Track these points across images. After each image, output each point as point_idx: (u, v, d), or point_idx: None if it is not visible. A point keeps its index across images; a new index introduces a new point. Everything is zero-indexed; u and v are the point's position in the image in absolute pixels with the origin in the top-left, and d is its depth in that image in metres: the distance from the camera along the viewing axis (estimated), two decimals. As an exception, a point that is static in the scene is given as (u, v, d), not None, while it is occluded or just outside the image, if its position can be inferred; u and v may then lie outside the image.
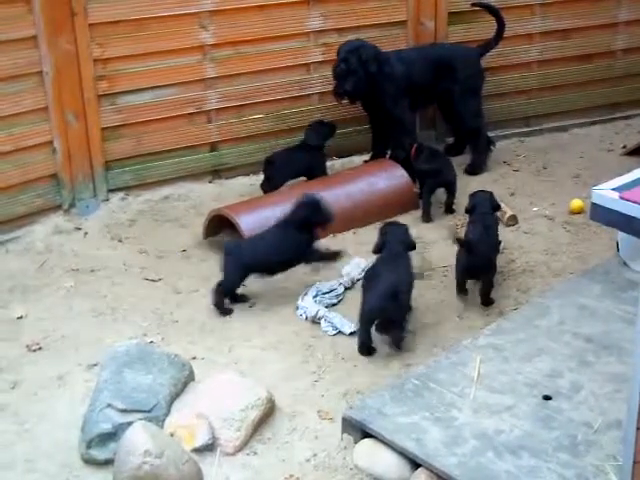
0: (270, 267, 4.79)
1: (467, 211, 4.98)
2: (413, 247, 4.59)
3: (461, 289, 4.74)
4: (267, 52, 6.02)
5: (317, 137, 5.86)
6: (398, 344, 4.33)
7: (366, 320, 4.31)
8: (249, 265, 4.73)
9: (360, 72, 5.74)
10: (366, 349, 4.33)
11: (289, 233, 4.74)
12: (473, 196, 5.01)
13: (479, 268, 4.67)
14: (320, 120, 5.99)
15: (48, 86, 5.39)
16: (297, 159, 5.83)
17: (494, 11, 6.20)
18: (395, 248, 4.51)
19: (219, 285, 4.70)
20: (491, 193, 5.04)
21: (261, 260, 4.73)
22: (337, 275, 4.93)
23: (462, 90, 6.13)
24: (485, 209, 4.89)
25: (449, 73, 6.09)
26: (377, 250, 4.57)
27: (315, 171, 5.84)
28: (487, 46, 6.24)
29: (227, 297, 4.74)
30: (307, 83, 6.22)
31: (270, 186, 5.73)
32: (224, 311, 4.69)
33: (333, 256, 4.89)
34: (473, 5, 6.27)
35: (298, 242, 4.75)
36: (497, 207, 5.04)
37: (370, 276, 4.44)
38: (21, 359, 4.35)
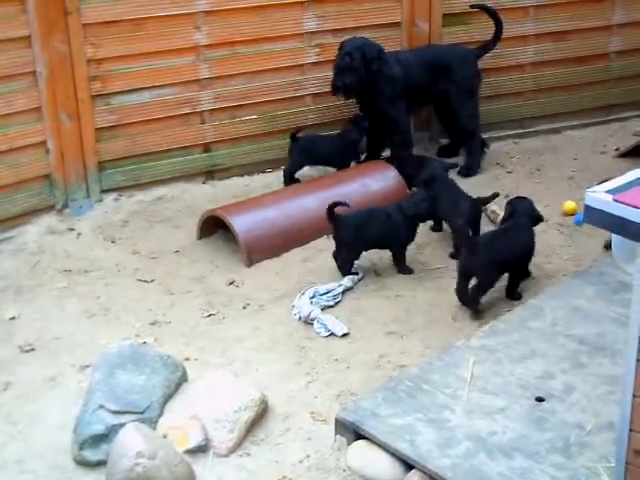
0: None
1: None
2: (540, 220, 4.88)
3: None
4: (262, 53, 6.01)
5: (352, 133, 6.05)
6: (473, 299, 4.56)
7: (459, 272, 4.59)
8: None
9: (361, 69, 5.75)
10: (461, 300, 4.62)
11: (397, 216, 4.99)
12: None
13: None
14: (356, 114, 6.11)
15: (42, 86, 5.38)
16: (320, 146, 6.02)
17: (492, 13, 6.19)
18: (521, 220, 4.77)
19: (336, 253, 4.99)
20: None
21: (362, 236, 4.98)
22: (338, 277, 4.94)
23: (458, 91, 6.12)
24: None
25: (446, 74, 6.09)
26: (504, 221, 4.85)
27: (334, 163, 6.02)
28: (485, 47, 6.24)
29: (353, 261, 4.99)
30: (301, 84, 6.21)
31: (290, 166, 5.94)
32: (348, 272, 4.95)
33: (410, 271, 5.03)
34: (472, 7, 6.27)
35: (399, 225, 5.00)
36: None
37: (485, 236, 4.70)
38: (13, 360, 4.34)
